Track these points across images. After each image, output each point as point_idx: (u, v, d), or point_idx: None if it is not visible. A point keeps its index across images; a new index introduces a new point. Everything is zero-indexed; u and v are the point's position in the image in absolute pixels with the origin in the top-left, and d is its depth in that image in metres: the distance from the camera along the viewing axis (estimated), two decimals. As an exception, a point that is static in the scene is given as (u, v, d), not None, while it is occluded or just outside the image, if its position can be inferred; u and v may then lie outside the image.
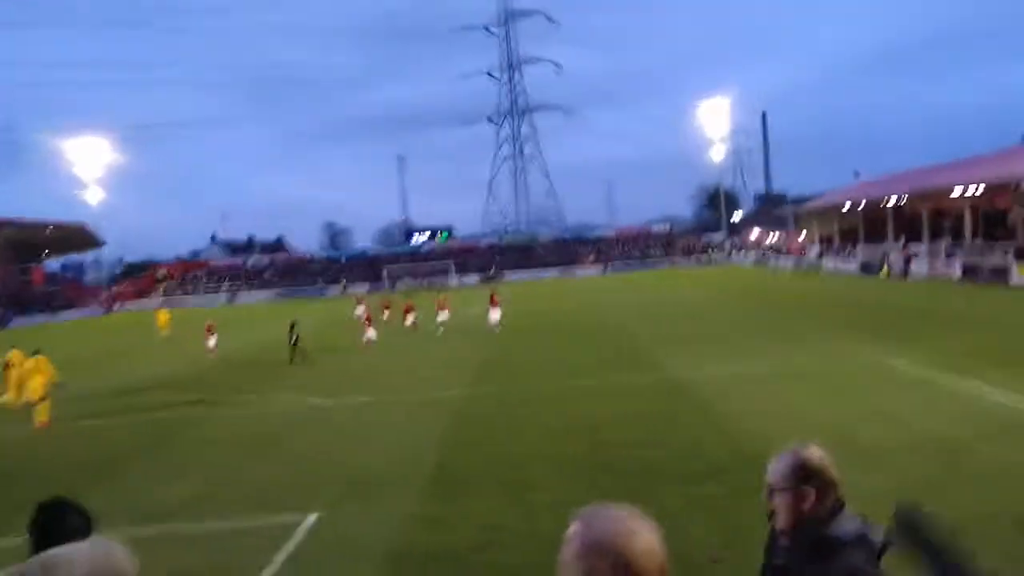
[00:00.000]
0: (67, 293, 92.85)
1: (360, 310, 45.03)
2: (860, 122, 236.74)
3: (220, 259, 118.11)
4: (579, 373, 21.54)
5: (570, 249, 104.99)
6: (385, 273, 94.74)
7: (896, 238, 58.77)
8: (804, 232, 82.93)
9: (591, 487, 10.99)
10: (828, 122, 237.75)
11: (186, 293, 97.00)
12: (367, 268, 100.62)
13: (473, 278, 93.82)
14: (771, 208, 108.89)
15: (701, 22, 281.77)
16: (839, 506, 2.98)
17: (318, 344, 32.49)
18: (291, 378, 25.10)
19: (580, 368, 22.39)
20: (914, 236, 56.26)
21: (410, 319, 37.37)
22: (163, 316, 50.93)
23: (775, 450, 3.16)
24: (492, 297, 34.49)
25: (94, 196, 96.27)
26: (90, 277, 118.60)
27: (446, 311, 36.31)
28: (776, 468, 3.13)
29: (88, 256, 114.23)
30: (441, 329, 34.89)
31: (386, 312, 41.95)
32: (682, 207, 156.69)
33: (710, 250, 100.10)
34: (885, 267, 53.56)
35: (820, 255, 69.57)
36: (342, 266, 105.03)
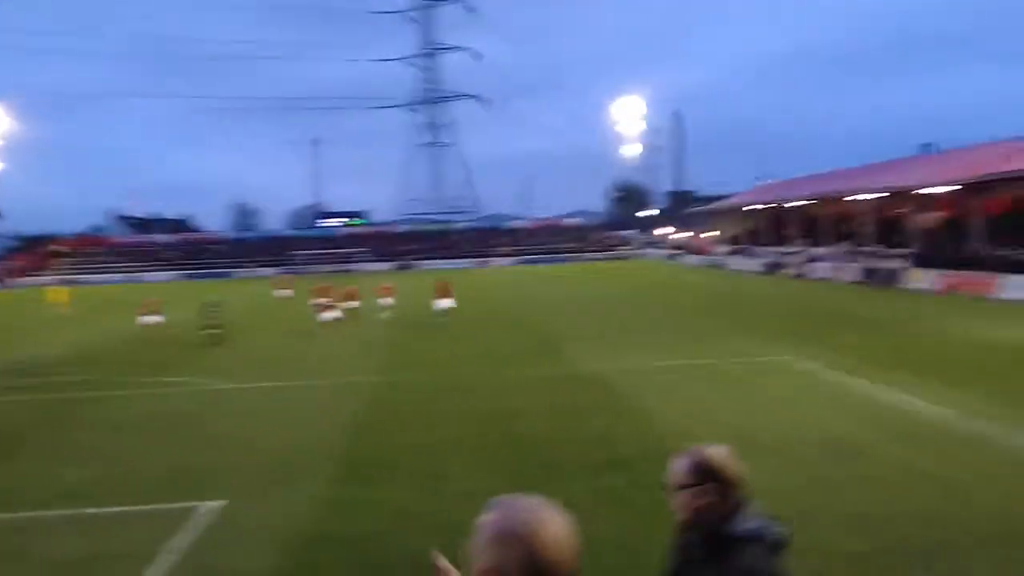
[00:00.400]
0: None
1: (286, 293, 46.35)
2: (769, 125, 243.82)
3: (123, 236, 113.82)
4: (495, 364, 21.67)
5: (485, 240, 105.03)
6: (294, 257, 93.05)
7: (799, 240, 60.83)
8: (712, 231, 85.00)
9: (503, 477, 11.08)
10: (739, 123, 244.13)
11: (84, 271, 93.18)
12: (277, 251, 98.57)
13: (386, 265, 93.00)
14: (681, 206, 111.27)
15: (621, 19, 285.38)
16: (740, 504, 3.06)
17: (230, 326, 31.71)
18: (201, 360, 24.44)
19: (497, 359, 22.53)
20: (816, 238, 58.34)
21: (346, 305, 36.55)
22: (60, 293, 48.89)
23: (681, 444, 3.27)
24: (443, 287, 32.09)
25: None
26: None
27: (390, 298, 35.71)
28: (678, 466, 3.19)
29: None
30: (386, 313, 34.56)
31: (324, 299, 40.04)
32: (596, 202, 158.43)
33: (622, 246, 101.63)
34: (788, 268, 55.39)
35: (727, 254, 71.44)
36: (250, 247, 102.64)
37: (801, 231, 61.93)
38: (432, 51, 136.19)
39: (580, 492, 10.20)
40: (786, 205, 62.31)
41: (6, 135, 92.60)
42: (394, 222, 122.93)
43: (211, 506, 10.43)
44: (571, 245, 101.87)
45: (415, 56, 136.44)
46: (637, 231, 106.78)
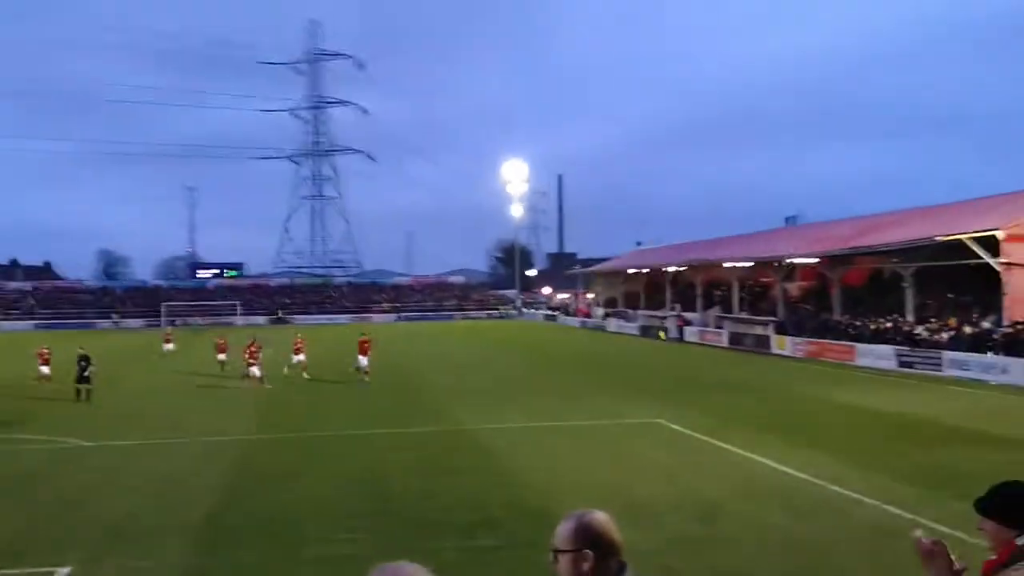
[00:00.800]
0: None
1: (169, 347, 43.35)
2: (650, 192, 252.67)
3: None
4: (371, 421, 21.36)
5: (366, 295, 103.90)
6: (164, 309, 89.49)
7: (673, 304, 62.82)
8: (591, 293, 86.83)
9: (368, 540, 10.79)
10: (620, 189, 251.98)
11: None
12: (145, 301, 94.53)
13: (260, 319, 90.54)
14: (563, 267, 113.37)
15: (510, 81, 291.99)
16: (621, 568, 3.07)
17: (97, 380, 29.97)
18: (52, 415, 23.00)
19: (372, 416, 22.21)
20: (689, 303, 60.39)
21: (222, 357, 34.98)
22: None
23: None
24: (361, 343, 30.36)
25: None
26: None
27: (302, 354, 32.61)
28: (560, 531, 3.19)
29: None
30: (305, 375, 31.42)
31: (222, 354, 35.24)
32: (478, 260, 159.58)
33: (503, 305, 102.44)
34: (662, 331, 57.00)
35: (605, 316, 72.98)
36: (116, 297, 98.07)
37: (675, 295, 64.04)
38: (319, 104, 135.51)
39: (451, 553, 10.02)
40: (662, 269, 64.45)
41: None
42: (271, 275, 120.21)
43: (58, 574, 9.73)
44: (453, 303, 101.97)
45: (302, 108, 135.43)
46: (519, 291, 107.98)
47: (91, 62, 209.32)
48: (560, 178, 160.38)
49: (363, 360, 29.90)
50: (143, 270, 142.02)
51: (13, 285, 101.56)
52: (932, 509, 11.61)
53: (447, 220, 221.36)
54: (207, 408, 24.33)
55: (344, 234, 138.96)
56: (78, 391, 26.03)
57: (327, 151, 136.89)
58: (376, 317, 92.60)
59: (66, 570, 9.89)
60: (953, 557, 2.99)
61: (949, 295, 38.14)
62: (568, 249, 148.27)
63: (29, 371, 30.47)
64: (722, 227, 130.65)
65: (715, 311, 56.01)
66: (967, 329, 32.23)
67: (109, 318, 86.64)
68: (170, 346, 43.79)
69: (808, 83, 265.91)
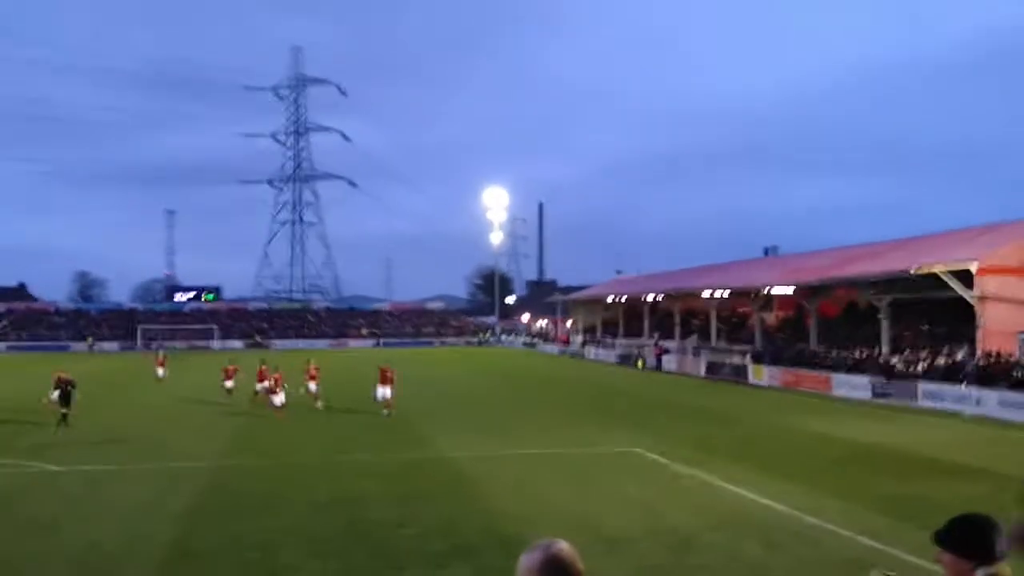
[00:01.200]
0: None
1: (161, 371, 41.56)
2: (631, 221, 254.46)
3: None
4: (347, 447, 21.22)
5: (344, 320, 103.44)
6: (140, 331, 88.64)
7: (651, 333, 62.93)
8: (570, 321, 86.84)
9: (339, 568, 10.65)
10: (601, 218, 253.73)
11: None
12: (120, 324, 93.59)
13: (238, 343, 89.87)
14: (542, 295, 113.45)
15: (492, 109, 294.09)
16: None
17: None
18: (19, 439, 22.60)
19: (348, 442, 22.06)
20: (667, 332, 60.52)
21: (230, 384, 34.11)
22: None
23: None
24: (384, 372, 28.25)
25: None
26: None
27: (315, 381, 30.85)
28: (526, 561, 3.16)
29: None
30: (318, 404, 29.52)
31: (229, 381, 33.36)
32: (458, 287, 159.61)
33: (482, 332, 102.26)
34: (640, 360, 57.04)
35: (583, 344, 73.00)
36: (91, 320, 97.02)
37: (654, 324, 64.18)
38: (301, 130, 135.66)
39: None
40: (640, 298, 64.61)
41: None
42: (250, 299, 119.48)
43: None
44: (432, 329, 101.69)
45: (283, 133, 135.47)
46: (498, 318, 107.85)
47: (72, 85, 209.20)
48: (541, 206, 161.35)
49: (386, 391, 27.88)
50: (120, 293, 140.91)
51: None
52: (905, 540, 11.60)
53: (427, 246, 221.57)
54: (181, 433, 24.01)
55: (324, 259, 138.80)
56: (64, 416, 24.88)
57: (308, 176, 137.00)
58: (354, 343, 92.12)
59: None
60: None
61: (924, 327, 38.46)
62: (548, 277, 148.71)
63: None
64: (701, 257, 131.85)
65: (693, 340, 56.16)
66: (941, 361, 32.48)
67: (84, 341, 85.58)
68: (163, 371, 42.24)
69: (789, 116, 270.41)
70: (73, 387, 25.83)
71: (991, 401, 27.98)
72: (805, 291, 44.32)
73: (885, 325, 38.35)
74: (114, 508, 14.69)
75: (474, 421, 26.77)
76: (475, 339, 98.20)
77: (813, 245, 58.50)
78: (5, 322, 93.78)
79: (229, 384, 33.17)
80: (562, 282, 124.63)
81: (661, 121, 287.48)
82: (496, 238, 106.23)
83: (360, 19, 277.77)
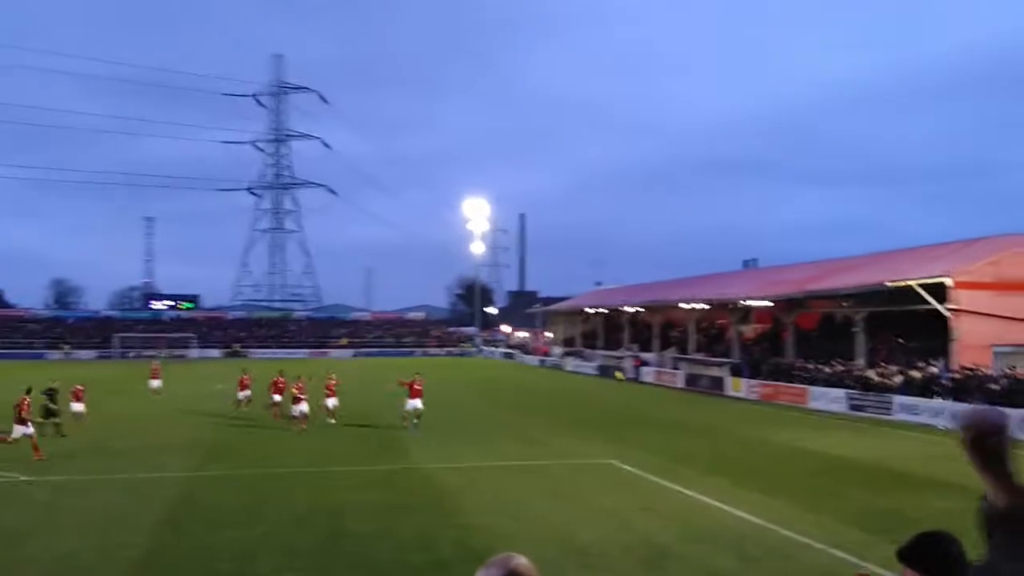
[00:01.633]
0: None
1: (156, 383, 38.28)
2: (612, 233, 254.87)
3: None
4: (327, 458, 21.13)
5: (324, 330, 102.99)
6: (117, 340, 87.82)
7: (630, 344, 63.09)
8: (550, 332, 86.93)
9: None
10: (582, 230, 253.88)
11: None
12: (97, 332, 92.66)
13: (216, 352, 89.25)
14: (523, 306, 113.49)
15: (474, 119, 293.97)
16: None
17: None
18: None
19: (328, 453, 21.98)
20: (646, 344, 60.71)
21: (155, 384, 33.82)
22: None
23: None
24: (412, 384, 27.22)
25: None
26: None
27: (335, 397, 29.12)
28: None
29: None
30: (330, 420, 28.19)
31: (244, 391, 31.83)
32: (439, 297, 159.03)
33: (462, 342, 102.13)
34: (619, 371, 57.18)
35: (563, 355, 73.07)
36: (67, 327, 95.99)
37: (632, 336, 64.37)
38: (281, 137, 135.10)
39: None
40: (620, 309, 64.80)
41: None
42: (228, 307, 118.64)
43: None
44: (412, 339, 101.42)
45: (263, 140, 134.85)
46: (478, 328, 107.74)
47: (50, 89, 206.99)
48: (522, 216, 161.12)
49: (417, 403, 26.87)
50: (97, 300, 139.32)
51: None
52: (877, 554, 11.69)
53: (408, 256, 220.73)
54: (160, 443, 23.78)
55: (304, 268, 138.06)
56: (57, 426, 24.88)
57: (288, 184, 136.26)
58: (334, 352, 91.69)
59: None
60: None
61: (899, 340, 38.82)
62: (529, 287, 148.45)
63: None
64: (682, 269, 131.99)
65: (671, 352, 56.37)
66: (916, 374, 32.80)
67: (59, 349, 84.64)
68: (158, 382, 38.67)
69: (769, 130, 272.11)
70: (56, 395, 25.59)
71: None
72: (782, 304, 44.65)
73: (861, 338, 38.68)
74: (87, 519, 14.56)
75: (453, 432, 26.72)
76: (455, 349, 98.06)
77: (793, 258, 59.26)
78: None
79: (243, 395, 31.52)
80: (543, 293, 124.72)
81: (644, 134, 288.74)
82: (478, 248, 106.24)
83: (343, 27, 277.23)
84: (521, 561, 3.17)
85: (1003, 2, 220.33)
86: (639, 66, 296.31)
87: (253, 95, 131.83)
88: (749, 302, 46.84)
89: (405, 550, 12.30)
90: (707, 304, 50.95)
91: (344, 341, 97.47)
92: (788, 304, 44.29)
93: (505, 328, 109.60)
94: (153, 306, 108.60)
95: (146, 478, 18.36)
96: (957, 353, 32.22)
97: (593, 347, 70.46)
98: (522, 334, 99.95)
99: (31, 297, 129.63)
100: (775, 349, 46.55)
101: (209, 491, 17.08)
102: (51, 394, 25.66)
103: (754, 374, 42.49)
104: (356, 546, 12.60)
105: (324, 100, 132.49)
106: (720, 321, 54.78)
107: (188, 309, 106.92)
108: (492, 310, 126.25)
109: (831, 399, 35.06)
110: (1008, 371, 29.09)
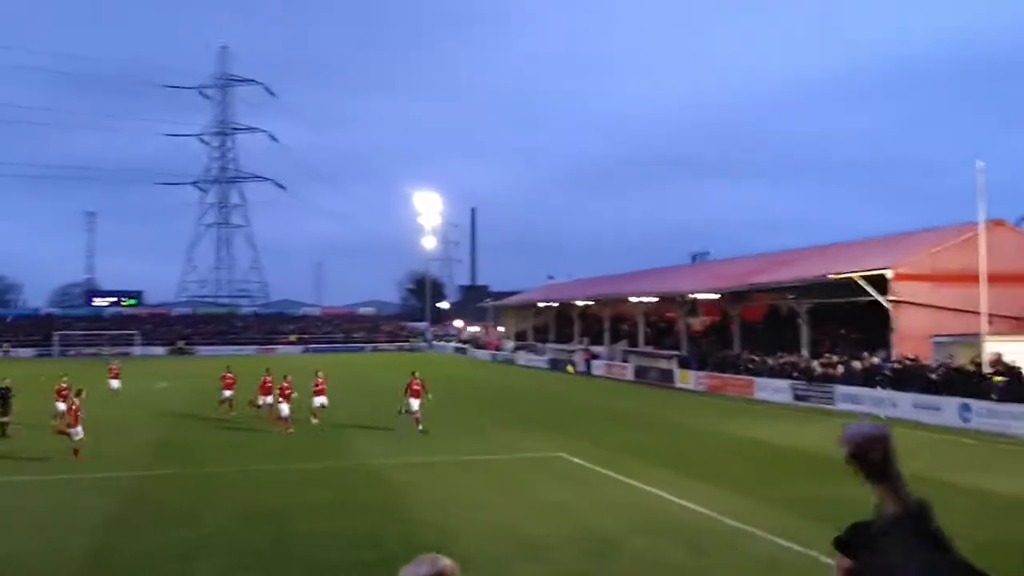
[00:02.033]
0: None
1: (115, 384, 36.68)
2: (560, 227, 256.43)
3: None
4: (271, 457, 20.88)
5: (272, 326, 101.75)
6: (57, 338, 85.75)
7: (581, 338, 63.45)
8: (502, 326, 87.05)
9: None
10: (532, 224, 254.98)
11: None
12: (36, 330, 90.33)
13: (160, 349, 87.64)
14: (474, 300, 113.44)
15: (425, 113, 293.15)
16: None
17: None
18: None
19: (272, 452, 21.70)
20: (597, 337, 61.10)
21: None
22: None
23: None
24: (411, 384, 26.31)
25: None
26: None
27: (323, 396, 28.47)
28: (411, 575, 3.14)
29: None
30: (314, 420, 27.33)
31: (228, 391, 30.23)
32: (390, 292, 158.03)
33: (413, 337, 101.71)
34: (570, 365, 57.48)
35: (515, 349, 73.21)
36: (6, 326, 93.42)
37: (583, 329, 64.75)
38: (227, 130, 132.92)
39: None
40: (570, 303, 65.14)
41: None
42: (173, 304, 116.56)
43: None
44: (363, 335, 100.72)
45: (209, 133, 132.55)
46: (429, 323, 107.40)
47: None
48: (473, 211, 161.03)
49: (414, 403, 25.94)
50: (37, 298, 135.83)
51: None
52: (822, 541, 11.87)
53: (358, 251, 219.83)
54: (105, 443, 23.22)
55: (251, 263, 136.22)
56: (3, 425, 24.08)
57: (234, 178, 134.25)
58: (282, 349, 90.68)
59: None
60: None
61: (841, 331, 39.62)
62: (480, 282, 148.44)
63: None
64: (633, 263, 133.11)
65: (622, 345, 56.81)
66: (858, 364, 33.51)
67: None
68: (117, 383, 36.96)
69: (719, 126, 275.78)
70: (10, 394, 24.78)
71: (906, 403, 28.95)
72: (728, 297, 45.26)
73: (805, 330, 39.41)
74: (30, 520, 14.24)
75: (402, 429, 26.51)
76: (406, 345, 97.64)
77: (741, 251, 60.15)
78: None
79: (228, 394, 29.85)
80: (495, 288, 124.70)
81: (594, 128, 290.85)
82: (429, 243, 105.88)
83: (289, 20, 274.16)
84: (447, 563, 3.17)
85: (942, 2, 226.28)
86: (589, 62, 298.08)
87: (198, 87, 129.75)
88: (696, 295, 47.39)
89: (352, 548, 12.22)
90: (656, 297, 51.45)
91: (293, 337, 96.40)
92: (734, 297, 44.91)
93: (457, 323, 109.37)
94: (95, 303, 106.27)
95: (93, 479, 17.96)
96: (897, 344, 32.97)
97: (545, 341, 70.72)
98: (474, 329, 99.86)
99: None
100: (723, 341, 47.19)
101: (155, 491, 16.83)
102: (3, 393, 24.77)
103: (702, 366, 43.02)
104: (303, 545, 12.47)
105: (271, 93, 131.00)
106: (669, 314, 55.37)
107: (131, 306, 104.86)
108: (444, 305, 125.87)
109: (776, 390, 35.68)
110: (946, 361, 29.86)
